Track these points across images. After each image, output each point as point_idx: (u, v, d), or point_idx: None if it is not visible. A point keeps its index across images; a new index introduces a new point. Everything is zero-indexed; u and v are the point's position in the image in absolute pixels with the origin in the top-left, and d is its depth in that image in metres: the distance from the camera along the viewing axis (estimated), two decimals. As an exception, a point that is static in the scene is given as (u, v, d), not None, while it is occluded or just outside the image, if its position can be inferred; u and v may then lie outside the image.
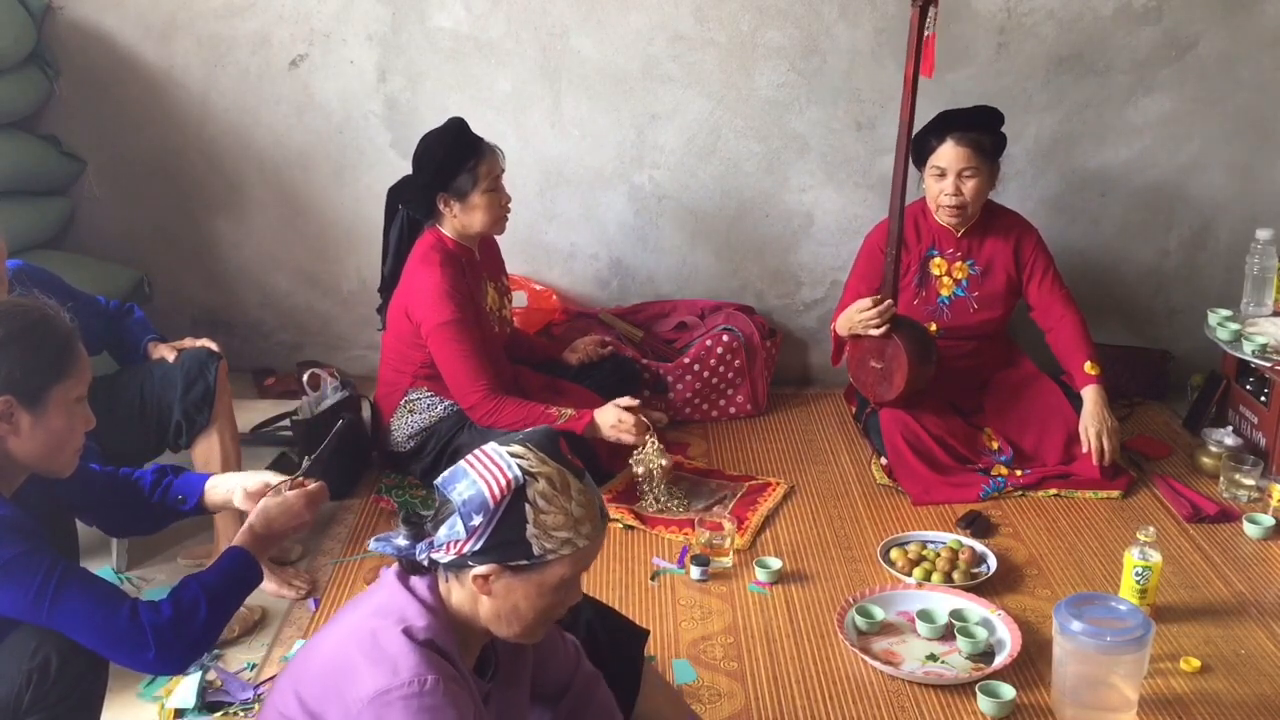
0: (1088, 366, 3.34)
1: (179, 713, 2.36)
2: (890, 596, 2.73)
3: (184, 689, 2.39)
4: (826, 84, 3.87)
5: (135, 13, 3.81)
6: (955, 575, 2.81)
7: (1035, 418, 3.41)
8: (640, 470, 3.16)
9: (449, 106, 3.71)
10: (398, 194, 3.30)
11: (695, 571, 2.86)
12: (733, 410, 3.85)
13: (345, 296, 4.13)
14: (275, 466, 3.26)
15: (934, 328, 3.45)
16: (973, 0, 3.77)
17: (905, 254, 3.41)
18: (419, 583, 1.62)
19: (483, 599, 1.59)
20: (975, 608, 2.68)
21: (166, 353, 2.91)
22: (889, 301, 3.29)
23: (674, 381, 3.77)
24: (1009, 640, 2.55)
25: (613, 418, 3.09)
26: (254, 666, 2.53)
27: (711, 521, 2.95)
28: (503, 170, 3.18)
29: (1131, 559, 2.65)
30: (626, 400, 3.13)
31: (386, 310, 3.34)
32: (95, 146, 3.91)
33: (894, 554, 2.92)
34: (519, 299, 3.91)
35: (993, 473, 3.32)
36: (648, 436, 3.13)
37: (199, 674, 2.42)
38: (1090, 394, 3.31)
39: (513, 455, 1.58)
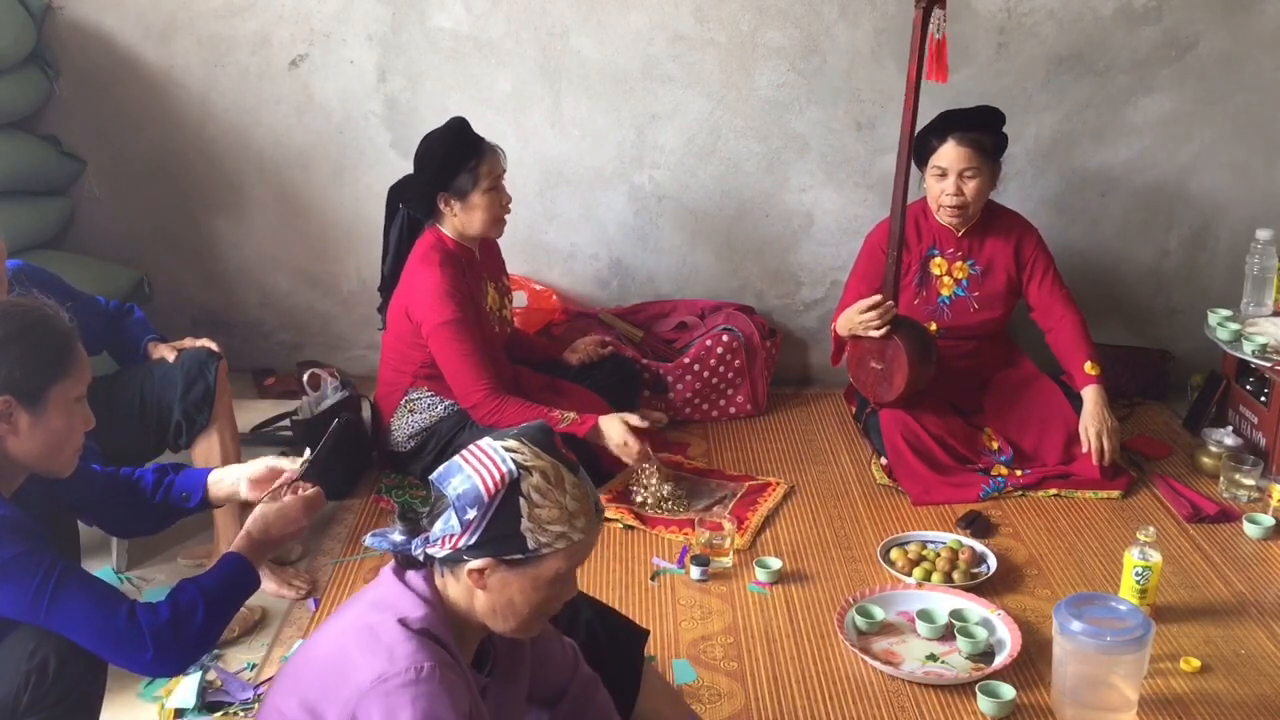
0: (1088, 366, 3.34)
1: (179, 713, 2.36)
2: (890, 596, 2.73)
3: (184, 689, 2.39)
4: (826, 84, 3.87)
5: (135, 13, 3.81)
6: (955, 575, 2.81)
7: (1035, 418, 3.41)
8: (639, 499, 3.16)
9: (449, 106, 3.70)
10: (398, 193, 3.30)
11: (695, 571, 2.86)
12: (733, 410, 3.85)
13: (345, 296, 4.13)
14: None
15: (934, 327, 3.45)
16: (973, 0, 3.77)
17: (906, 254, 3.41)
18: (415, 577, 1.63)
19: (478, 593, 1.60)
20: (975, 608, 2.68)
21: (166, 353, 2.91)
22: (890, 302, 3.28)
23: (674, 381, 3.77)
24: (1009, 640, 2.55)
25: (619, 437, 3.07)
26: (254, 666, 2.53)
27: (711, 521, 2.95)
28: (504, 170, 3.18)
29: (1131, 559, 2.65)
30: (636, 420, 3.11)
31: (387, 310, 3.34)
32: (95, 146, 3.91)
33: (894, 554, 2.92)
34: (519, 299, 3.91)
35: (993, 473, 3.32)
36: (646, 466, 3.13)
37: (199, 674, 2.42)
38: (1090, 394, 3.31)
39: (507, 449, 1.58)
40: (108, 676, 1.93)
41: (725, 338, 3.79)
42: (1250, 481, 3.26)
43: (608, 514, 3.11)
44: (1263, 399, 3.47)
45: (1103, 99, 3.89)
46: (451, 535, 1.57)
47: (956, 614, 2.65)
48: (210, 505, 2.15)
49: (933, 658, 2.53)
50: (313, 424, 3.22)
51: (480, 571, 1.57)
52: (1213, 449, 3.45)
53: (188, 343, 2.96)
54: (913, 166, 3.34)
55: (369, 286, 3.91)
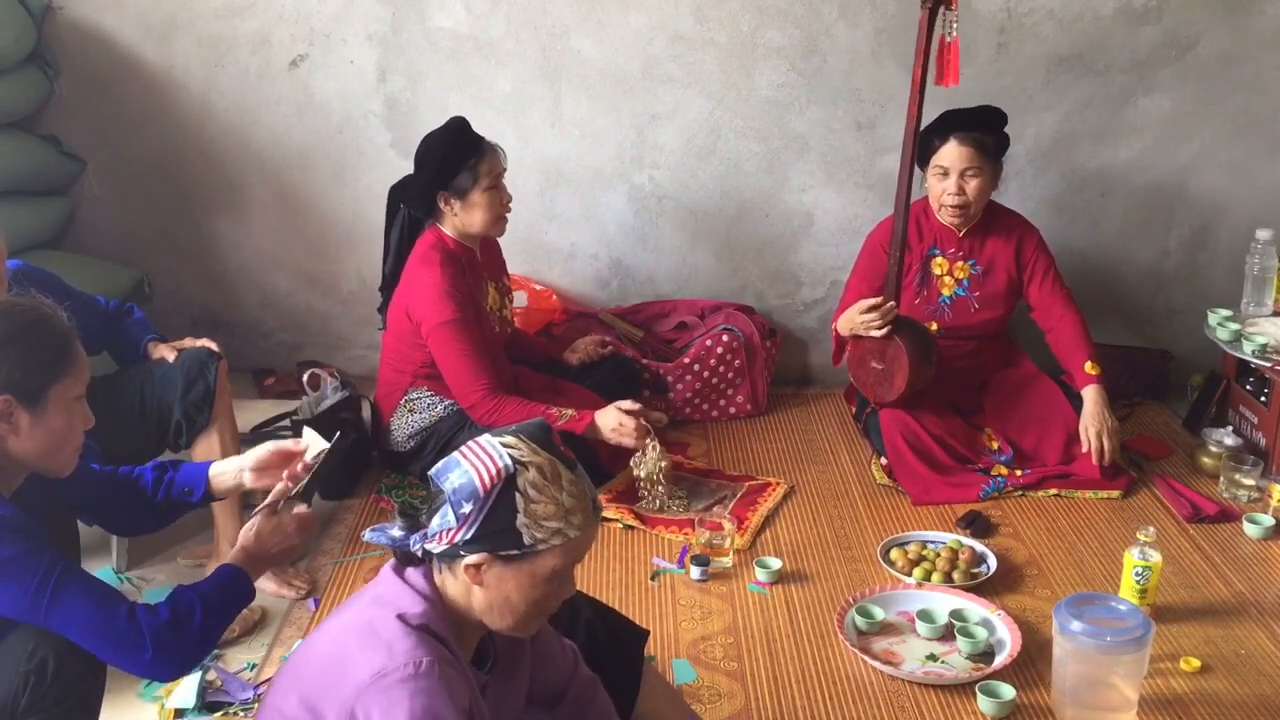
0: (1088, 366, 3.34)
1: (179, 713, 2.36)
2: (890, 596, 2.73)
3: (184, 689, 2.39)
4: (826, 84, 3.87)
5: (135, 13, 3.81)
6: (955, 575, 2.81)
7: (1035, 418, 3.41)
8: (641, 473, 3.15)
9: (449, 106, 3.70)
10: (399, 193, 3.30)
11: (695, 571, 2.86)
12: (733, 410, 3.85)
13: (345, 296, 4.13)
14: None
15: (935, 327, 3.46)
16: (973, 0, 3.77)
17: (907, 253, 3.41)
18: (415, 574, 1.63)
19: (475, 590, 1.60)
20: (975, 608, 2.68)
21: (166, 353, 2.91)
22: (891, 303, 3.28)
23: (674, 381, 3.77)
24: (1009, 640, 2.55)
25: (613, 421, 3.09)
26: (254, 666, 2.53)
27: (711, 521, 2.95)
28: (504, 169, 3.18)
29: (1131, 559, 2.65)
30: (628, 404, 3.12)
31: (387, 310, 3.34)
32: (95, 146, 3.91)
33: (894, 554, 2.92)
34: (519, 299, 3.91)
35: (993, 473, 3.32)
36: (648, 440, 3.13)
37: (199, 674, 2.42)
38: (1090, 394, 3.31)
39: (504, 445, 1.59)
40: (107, 677, 1.93)
41: (725, 338, 3.79)
42: (1250, 481, 3.26)
43: (608, 514, 3.11)
44: (1263, 399, 3.47)
45: (1103, 99, 3.89)
46: (448, 530, 1.57)
47: (956, 614, 2.65)
48: (214, 498, 2.16)
49: (933, 658, 2.53)
50: (313, 424, 3.21)
51: (477, 567, 1.57)
52: (1213, 449, 3.45)
53: (188, 343, 2.96)
54: (914, 166, 3.34)
55: (369, 286, 3.91)
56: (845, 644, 2.55)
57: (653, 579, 2.87)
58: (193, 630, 1.81)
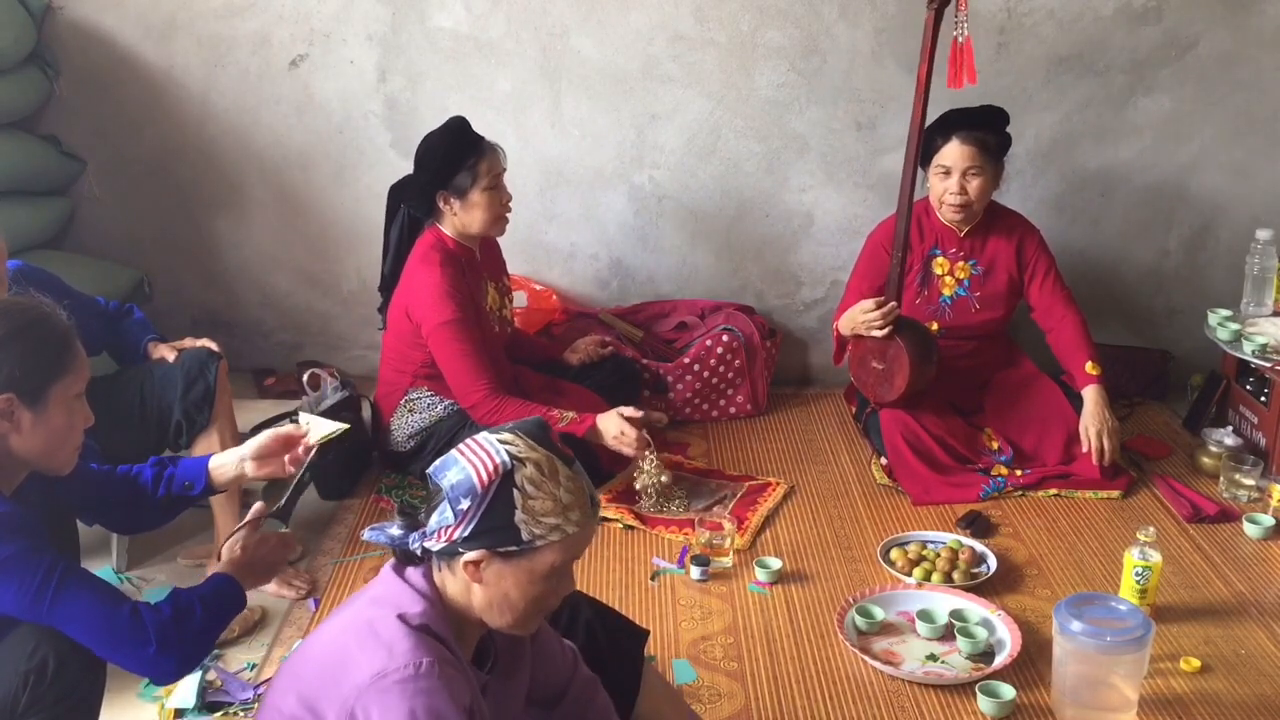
0: (1089, 367, 3.34)
1: (179, 713, 2.36)
2: (890, 596, 2.73)
3: (184, 689, 2.39)
4: (826, 84, 3.87)
5: (135, 13, 3.81)
6: (955, 575, 2.81)
7: (1035, 418, 3.41)
8: (639, 486, 3.16)
9: (449, 106, 3.70)
10: (399, 192, 3.30)
11: (695, 571, 2.86)
12: (733, 410, 3.85)
13: (345, 296, 4.13)
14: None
15: (935, 327, 3.46)
16: (973, 0, 3.76)
17: (908, 253, 3.41)
18: (414, 574, 1.63)
19: (475, 587, 1.60)
20: (975, 608, 2.68)
21: (166, 353, 2.92)
22: (893, 303, 3.28)
23: (674, 381, 3.77)
24: (1009, 640, 2.55)
25: (615, 429, 3.08)
26: (254, 666, 2.53)
27: (711, 521, 2.95)
28: (504, 169, 3.18)
29: (1131, 559, 2.65)
30: (630, 411, 3.11)
31: (387, 310, 3.34)
32: (95, 146, 3.91)
33: (894, 554, 2.92)
34: (519, 299, 3.91)
35: (993, 473, 3.32)
36: (647, 453, 3.12)
37: (199, 674, 2.42)
38: (1091, 394, 3.31)
39: (501, 442, 1.59)
40: (107, 677, 1.93)
41: (725, 338, 3.79)
42: (1250, 481, 3.26)
43: (608, 514, 3.11)
44: (1263, 399, 3.47)
45: (1103, 99, 3.90)
46: (447, 527, 1.57)
47: (956, 614, 2.65)
48: (215, 490, 2.17)
49: (933, 658, 2.53)
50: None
51: (476, 564, 1.57)
52: (1213, 449, 3.45)
53: (188, 343, 2.96)
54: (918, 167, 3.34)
55: (369, 286, 3.91)
56: (845, 644, 2.55)
57: (653, 579, 2.87)
58: (194, 628, 1.83)
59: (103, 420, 2.12)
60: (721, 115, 3.91)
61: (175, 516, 2.21)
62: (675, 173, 3.97)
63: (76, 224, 3.98)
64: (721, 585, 2.85)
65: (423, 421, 3.26)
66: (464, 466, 1.57)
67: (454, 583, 1.62)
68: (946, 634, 2.60)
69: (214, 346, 2.93)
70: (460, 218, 3.17)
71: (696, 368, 3.77)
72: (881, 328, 3.27)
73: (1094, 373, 3.33)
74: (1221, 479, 3.32)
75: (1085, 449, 3.28)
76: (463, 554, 1.57)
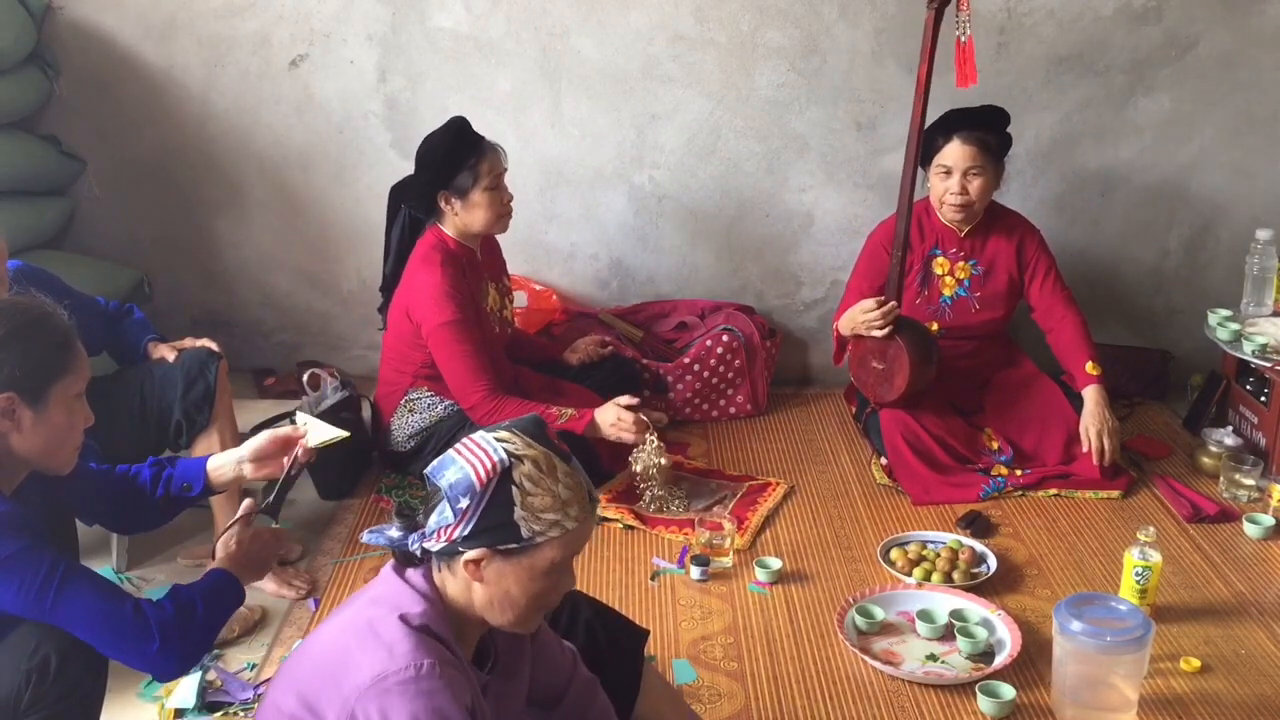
0: (1089, 367, 3.34)
1: (179, 713, 2.36)
2: (890, 596, 2.73)
3: (184, 689, 2.39)
4: (826, 84, 3.87)
5: (135, 13, 3.81)
6: (955, 575, 2.81)
7: (1035, 418, 3.41)
8: (639, 468, 3.15)
9: (449, 106, 3.70)
10: (400, 192, 3.30)
11: (695, 571, 2.86)
12: (733, 410, 3.85)
13: (345, 296, 4.13)
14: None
15: (935, 327, 3.46)
16: (973, 0, 3.77)
17: (908, 253, 3.41)
18: (415, 575, 1.63)
19: (476, 586, 1.60)
20: (975, 608, 2.68)
21: (166, 353, 2.92)
22: (893, 303, 3.28)
23: (674, 381, 3.77)
24: (1009, 640, 2.55)
25: (612, 416, 3.09)
26: (254, 666, 2.53)
27: (711, 521, 2.95)
28: (505, 169, 3.18)
29: (1131, 559, 2.65)
30: (626, 399, 3.13)
31: (387, 310, 3.34)
32: (95, 146, 3.91)
33: (894, 554, 2.92)
34: (519, 299, 3.91)
35: (993, 473, 3.32)
36: (647, 435, 3.12)
37: (199, 674, 2.42)
38: (1091, 394, 3.31)
39: (498, 440, 1.59)
40: (108, 676, 1.93)
41: (725, 338, 3.79)
42: (1250, 481, 3.26)
43: (608, 514, 3.11)
44: (1263, 399, 3.47)
45: (1103, 99, 3.90)
46: (446, 526, 1.57)
47: (956, 614, 2.65)
48: (213, 491, 2.18)
49: (933, 658, 2.53)
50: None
51: (476, 563, 1.57)
52: (1213, 449, 3.45)
53: (188, 343, 2.96)
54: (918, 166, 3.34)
55: (369, 286, 3.91)
56: (845, 644, 2.55)
57: (653, 579, 2.87)
58: (196, 624, 1.83)
59: (103, 420, 2.12)
60: (721, 115, 3.91)
61: (174, 517, 2.22)
62: (675, 173, 3.97)
63: (76, 224, 3.98)
64: (721, 585, 2.85)
65: (423, 421, 3.26)
66: (461, 466, 1.57)
67: (454, 582, 1.62)
68: (946, 634, 2.60)
69: (214, 346, 2.93)
70: (461, 218, 3.17)
71: (696, 368, 3.77)
72: (881, 328, 3.27)
73: (1094, 373, 3.33)
74: (1221, 479, 3.32)
75: (1085, 449, 3.28)
76: (463, 553, 1.57)
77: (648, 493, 3.17)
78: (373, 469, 3.41)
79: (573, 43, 3.84)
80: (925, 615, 2.63)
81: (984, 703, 2.35)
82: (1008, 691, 2.37)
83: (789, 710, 2.38)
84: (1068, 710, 2.34)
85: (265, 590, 2.76)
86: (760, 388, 3.87)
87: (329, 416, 3.20)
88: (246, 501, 2.04)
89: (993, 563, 2.88)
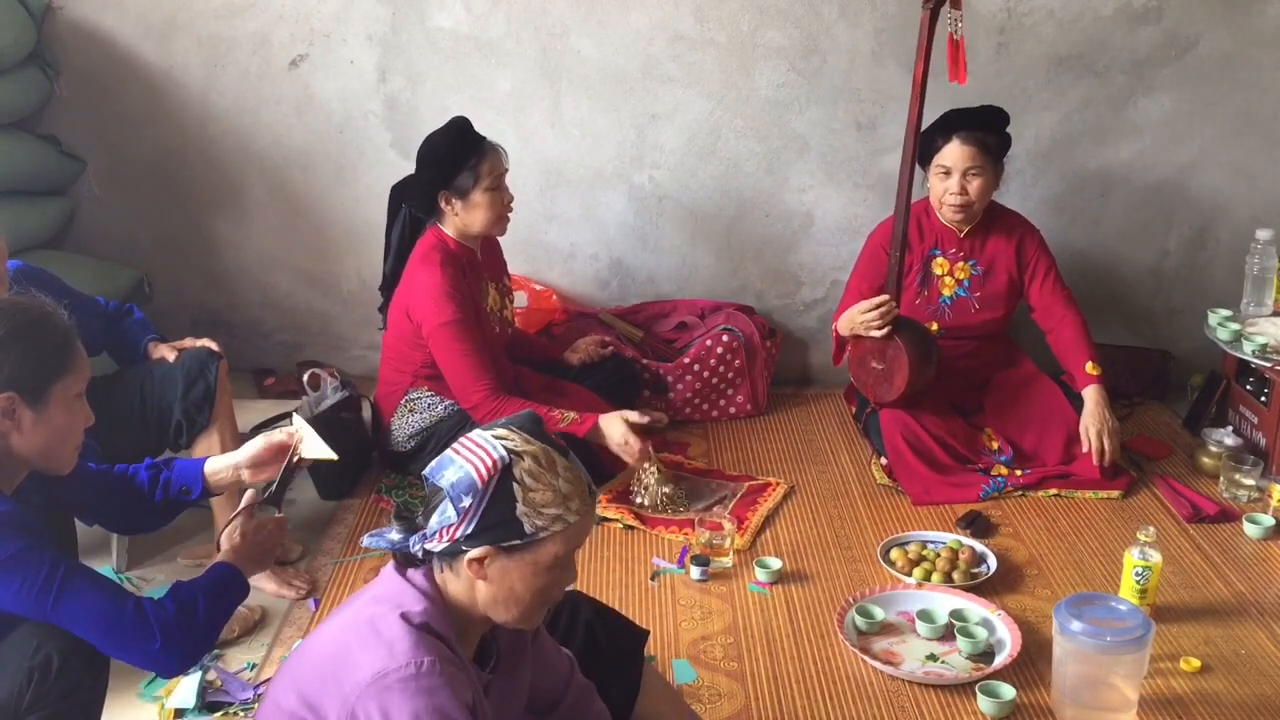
0: (1089, 367, 3.34)
1: (179, 713, 2.36)
2: (890, 596, 2.73)
3: (184, 689, 2.39)
4: (826, 84, 3.87)
5: (135, 13, 3.81)
6: (955, 575, 2.81)
7: (1035, 418, 3.41)
8: (642, 501, 3.15)
9: (449, 106, 3.71)
10: (400, 192, 3.30)
11: (695, 571, 2.86)
12: (733, 410, 3.85)
13: (345, 296, 4.13)
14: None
15: (935, 327, 3.46)
16: (973, 0, 3.77)
17: (908, 254, 3.41)
18: (416, 574, 1.63)
19: (479, 584, 1.60)
20: (975, 608, 2.68)
21: (166, 353, 2.92)
22: (891, 302, 3.28)
23: (674, 381, 3.77)
24: (1009, 640, 2.55)
25: (619, 436, 3.07)
26: (254, 666, 2.53)
27: (711, 521, 2.95)
28: (506, 170, 3.18)
29: (1131, 559, 2.65)
30: (635, 416, 3.10)
31: (387, 309, 3.34)
32: (95, 146, 3.91)
33: (894, 554, 2.92)
34: (519, 299, 3.91)
35: (993, 473, 3.32)
36: (646, 464, 3.12)
37: (199, 674, 2.42)
38: (1091, 394, 3.31)
39: (497, 437, 1.60)
40: (109, 675, 1.93)
41: (725, 338, 3.79)
42: (1250, 481, 3.26)
43: (608, 514, 3.11)
44: (1263, 399, 3.47)
45: (1103, 99, 3.90)
46: (449, 526, 1.57)
47: (956, 614, 2.65)
48: (213, 494, 2.19)
49: (933, 658, 2.53)
50: (313, 424, 3.21)
51: (480, 561, 1.58)
52: (1213, 449, 3.45)
53: (188, 343, 2.96)
54: (915, 166, 3.34)
55: (369, 286, 3.91)
56: (845, 644, 2.55)
57: (653, 579, 2.87)
58: (198, 622, 1.84)
59: (103, 420, 2.12)
60: (721, 115, 3.91)
61: (174, 518, 2.22)
62: (675, 173, 3.97)
63: (76, 224, 3.98)
64: (721, 585, 2.85)
65: (423, 421, 3.26)
66: (462, 465, 1.58)
67: (456, 582, 1.62)
68: (946, 634, 2.60)
69: (214, 346, 2.93)
70: (462, 218, 3.17)
71: (696, 368, 3.77)
72: (880, 327, 3.27)
73: (1094, 373, 3.33)
74: (1221, 479, 3.32)
75: (1085, 449, 3.28)
76: (466, 552, 1.57)
77: (648, 502, 3.17)
78: (373, 469, 3.41)
79: (573, 43, 3.84)
80: (925, 615, 2.63)
81: (984, 703, 2.35)
82: (1008, 691, 2.37)
83: (789, 710, 2.38)
84: (1068, 710, 2.34)
85: (265, 590, 2.76)
86: (760, 388, 3.87)
87: (329, 416, 3.22)
88: (249, 492, 2.05)
89: (993, 563, 2.88)
